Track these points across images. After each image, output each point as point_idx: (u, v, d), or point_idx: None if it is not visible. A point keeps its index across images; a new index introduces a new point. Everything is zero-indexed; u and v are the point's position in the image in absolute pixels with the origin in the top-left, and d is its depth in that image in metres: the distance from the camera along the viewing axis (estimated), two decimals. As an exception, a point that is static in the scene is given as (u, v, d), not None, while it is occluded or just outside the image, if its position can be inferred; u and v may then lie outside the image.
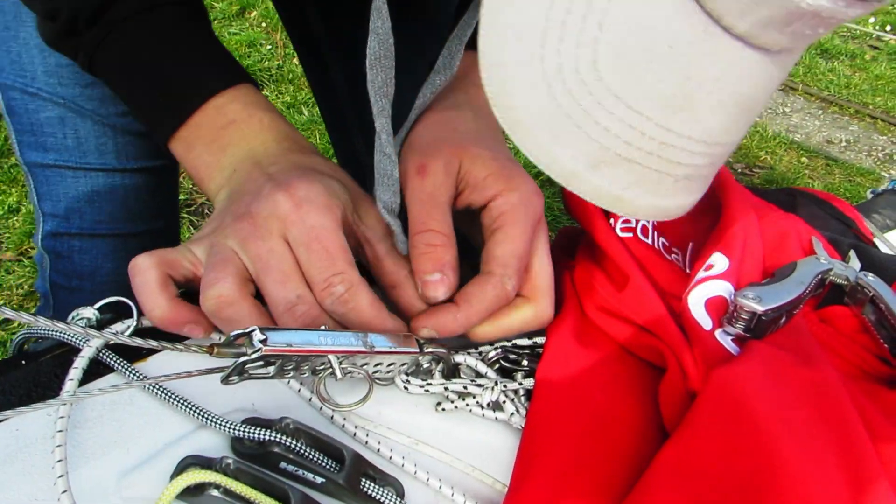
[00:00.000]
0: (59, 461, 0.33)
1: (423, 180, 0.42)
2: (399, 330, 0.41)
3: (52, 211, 0.70)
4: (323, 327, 0.37)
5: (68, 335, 0.38)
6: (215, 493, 0.33)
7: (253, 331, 0.32)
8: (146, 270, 0.39)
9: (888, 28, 3.95)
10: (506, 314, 0.42)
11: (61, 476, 0.32)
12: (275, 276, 0.39)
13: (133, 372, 0.38)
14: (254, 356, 0.32)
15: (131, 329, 0.40)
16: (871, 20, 4.05)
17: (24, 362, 0.38)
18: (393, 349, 0.38)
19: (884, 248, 0.60)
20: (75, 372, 0.36)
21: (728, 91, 0.29)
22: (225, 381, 0.33)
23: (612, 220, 0.50)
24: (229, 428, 0.35)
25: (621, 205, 0.32)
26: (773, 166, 2.64)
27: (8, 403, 0.36)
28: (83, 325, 0.40)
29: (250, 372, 0.34)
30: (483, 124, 0.47)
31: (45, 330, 0.38)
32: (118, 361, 0.38)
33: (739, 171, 2.58)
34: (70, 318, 0.40)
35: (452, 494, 0.38)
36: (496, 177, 0.43)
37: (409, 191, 0.42)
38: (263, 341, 0.32)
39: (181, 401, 0.37)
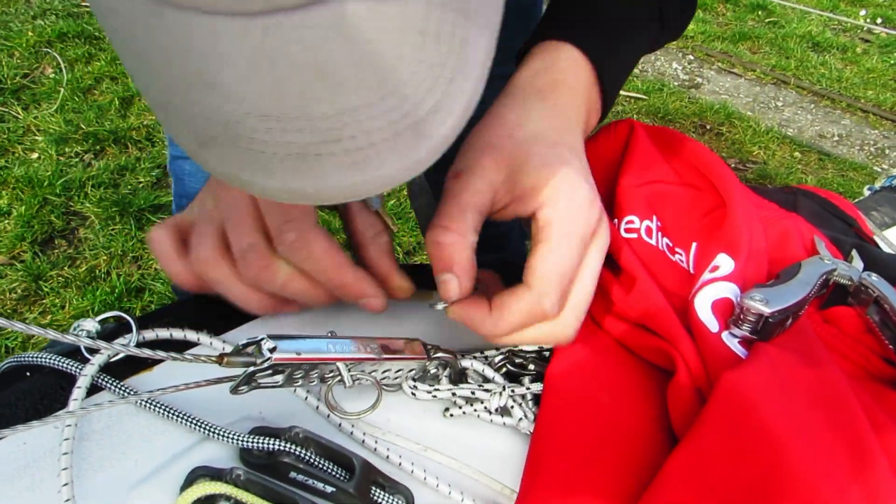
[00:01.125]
0: (64, 469, 0.33)
1: (455, 183, 0.41)
2: (361, 281, 0.41)
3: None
4: (330, 333, 0.37)
5: (62, 363, 0.38)
6: (226, 504, 0.32)
7: (262, 339, 0.32)
8: (161, 240, 0.41)
9: (879, 21, 3.97)
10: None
11: (66, 485, 0.32)
12: (233, 223, 0.40)
13: (127, 390, 0.37)
14: (263, 365, 0.32)
15: (133, 342, 0.39)
16: (862, 12, 4.06)
17: (28, 374, 0.37)
18: (401, 355, 0.38)
19: (884, 247, 0.60)
20: (78, 391, 0.35)
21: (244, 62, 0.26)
22: (234, 391, 0.33)
23: (616, 221, 0.50)
24: (238, 439, 0.35)
25: (244, 185, 0.31)
26: (766, 161, 2.65)
27: (15, 416, 0.35)
28: (84, 336, 0.39)
29: (259, 381, 0.33)
30: (548, 125, 0.44)
31: (35, 357, 0.37)
32: (111, 382, 0.37)
33: (733, 166, 2.58)
34: (72, 329, 0.40)
35: (462, 500, 0.38)
36: (543, 186, 0.40)
37: (444, 193, 0.42)
38: (273, 350, 0.32)
39: (185, 416, 0.36)
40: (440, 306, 0.40)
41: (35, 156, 2.07)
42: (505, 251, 1.17)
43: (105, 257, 1.78)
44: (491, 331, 0.40)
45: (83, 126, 2.18)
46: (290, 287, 0.41)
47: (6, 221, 1.83)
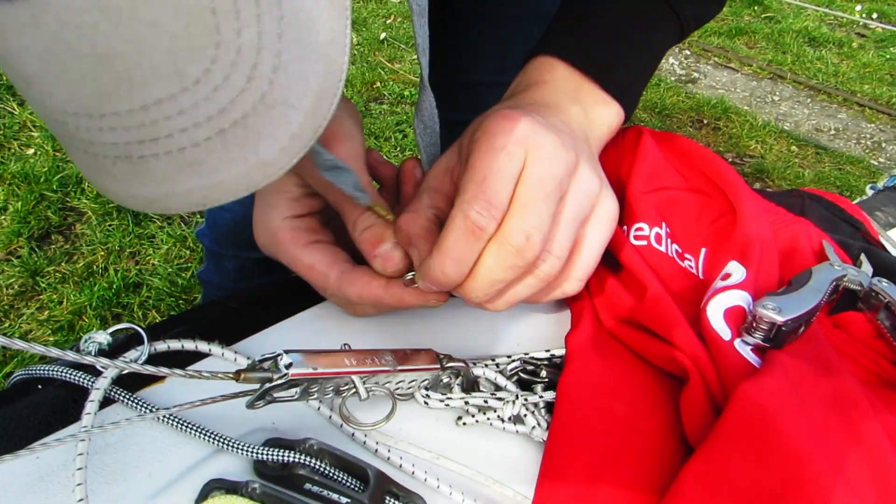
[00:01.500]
0: (79, 484, 0.32)
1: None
2: (385, 293, 0.41)
3: None
4: (345, 346, 0.37)
5: (74, 376, 0.37)
6: (242, 518, 0.32)
7: (279, 355, 0.32)
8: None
9: (875, 16, 3.97)
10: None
11: (81, 500, 0.32)
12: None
13: (141, 404, 0.37)
14: (281, 381, 0.31)
15: (145, 354, 0.39)
16: (858, 7, 4.07)
17: (39, 387, 0.37)
18: (415, 366, 0.38)
19: (890, 249, 0.60)
20: (91, 405, 0.35)
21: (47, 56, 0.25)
22: (251, 406, 0.33)
23: (625, 228, 0.50)
24: (252, 451, 0.35)
25: (102, 192, 0.30)
26: (764, 155, 2.66)
27: (27, 429, 0.35)
28: (94, 350, 0.39)
29: (275, 395, 0.33)
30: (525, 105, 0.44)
31: (45, 370, 0.37)
32: (124, 395, 0.37)
33: (730, 160, 2.59)
34: (82, 341, 0.39)
35: (476, 509, 0.38)
36: (483, 116, 0.40)
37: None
38: (289, 366, 0.32)
39: (199, 429, 0.36)
40: (409, 276, 0.41)
41: (31, 152, 2.06)
42: None
43: (102, 253, 1.77)
44: (441, 269, 0.37)
45: (79, 121, 2.17)
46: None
47: (2, 217, 1.82)
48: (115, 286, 1.67)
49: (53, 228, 1.83)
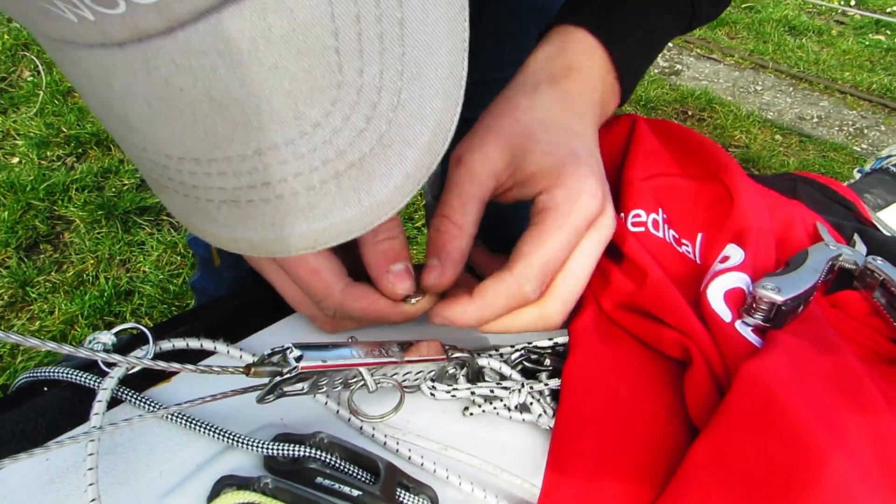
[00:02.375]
0: (91, 484, 0.32)
1: (457, 171, 0.40)
2: (392, 310, 0.40)
3: None
4: (351, 338, 0.37)
5: (80, 377, 0.37)
6: (256, 513, 0.32)
7: (288, 349, 0.32)
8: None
9: (853, 3, 4.01)
10: (511, 313, 0.40)
11: (93, 500, 0.32)
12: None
13: (150, 403, 0.37)
14: (291, 375, 0.31)
15: (150, 353, 0.39)
16: (837, -5, 4.10)
17: (45, 389, 0.37)
18: (422, 357, 0.38)
19: (882, 230, 0.61)
20: (99, 405, 0.35)
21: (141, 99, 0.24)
22: (261, 400, 0.33)
23: (622, 215, 0.50)
24: (262, 447, 0.35)
25: (197, 233, 0.29)
26: (749, 145, 2.68)
27: (35, 431, 0.35)
28: (101, 349, 0.39)
29: (285, 390, 0.33)
30: (557, 111, 0.43)
31: (51, 371, 0.37)
32: (131, 394, 0.37)
33: (716, 150, 2.60)
34: (87, 341, 0.39)
35: (485, 497, 0.38)
36: (545, 173, 0.39)
37: (447, 179, 0.41)
38: (299, 359, 0.32)
39: (208, 426, 0.36)
40: (414, 300, 0.40)
41: (16, 160, 2.04)
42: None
43: (92, 261, 1.76)
44: (476, 318, 0.39)
45: (64, 129, 2.15)
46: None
47: (-11, 225, 1.80)
48: (106, 294, 1.66)
49: (41, 238, 1.82)
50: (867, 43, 3.62)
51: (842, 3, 4.05)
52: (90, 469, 0.32)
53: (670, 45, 3.43)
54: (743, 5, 3.95)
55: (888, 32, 3.76)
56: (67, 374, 0.36)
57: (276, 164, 0.25)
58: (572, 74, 0.44)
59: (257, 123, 0.24)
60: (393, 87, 0.25)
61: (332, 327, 0.44)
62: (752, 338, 0.42)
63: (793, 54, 3.44)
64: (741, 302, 0.43)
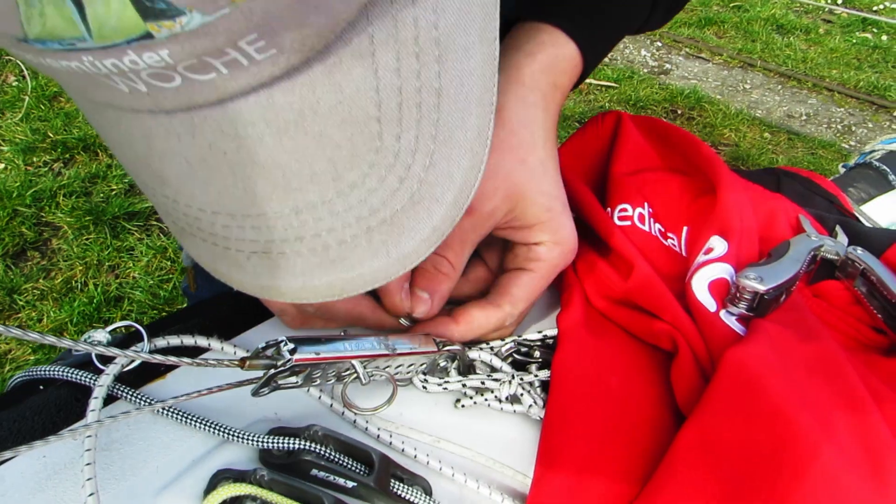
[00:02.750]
0: (88, 479, 0.33)
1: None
2: (371, 314, 0.42)
3: None
4: (343, 332, 0.38)
5: (76, 375, 0.38)
6: (253, 505, 0.33)
7: (282, 341, 0.32)
8: None
9: (840, 1, 4.04)
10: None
11: (91, 495, 0.32)
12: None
13: (146, 399, 0.38)
14: (285, 367, 0.32)
15: (145, 350, 0.39)
16: (823, -6, 4.13)
17: (41, 388, 0.37)
18: (414, 350, 0.39)
19: (864, 222, 0.62)
20: (95, 402, 0.35)
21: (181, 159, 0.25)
22: (256, 393, 0.33)
23: (609, 209, 0.51)
24: (258, 441, 0.36)
25: (221, 278, 0.30)
26: (738, 143, 2.69)
27: (32, 430, 0.36)
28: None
29: (279, 382, 0.34)
30: (549, 142, 0.44)
31: (47, 370, 0.37)
32: (127, 391, 0.37)
33: (705, 149, 2.61)
34: (81, 340, 0.40)
35: (478, 488, 0.38)
36: (545, 228, 0.42)
37: None
38: (293, 351, 0.32)
39: (203, 421, 0.37)
40: (406, 324, 0.43)
41: (2, 167, 2.03)
42: None
43: (81, 267, 1.75)
44: (456, 337, 0.42)
45: (51, 134, 2.14)
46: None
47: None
48: (95, 301, 1.65)
49: (29, 244, 1.81)
50: (854, 41, 3.65)
51: (829, 1, 4.09)
52: (88, 464, 0.33)
53: (659, 44, 3.46)
54: (731, 4, 3.98)
55: (875, 30, 3.80)
56: (63, 372, 0.37)
57: (311, 221, 0.26)
58: (557, 92, 0.45)
59: (297, 185, 0.25)
60: (426, 150, 0.26)
61: (300, 323, 0.45)
62: (737, 327, 0.43)
63: (781, 53, 3.47)
64: (725, 292, 0.44)
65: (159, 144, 0.25)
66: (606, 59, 3.21)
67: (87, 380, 0.37)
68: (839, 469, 0.34)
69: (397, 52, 0.24)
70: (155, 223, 1.90)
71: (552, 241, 0.42)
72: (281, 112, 0.23)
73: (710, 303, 0.43)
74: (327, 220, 0.26)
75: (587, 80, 2.75)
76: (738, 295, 0.43)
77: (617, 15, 0.48)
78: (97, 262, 1.76)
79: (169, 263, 1.80)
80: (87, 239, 1.83)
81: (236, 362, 0.31)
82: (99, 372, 0.37)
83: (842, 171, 0.89)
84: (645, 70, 3.20)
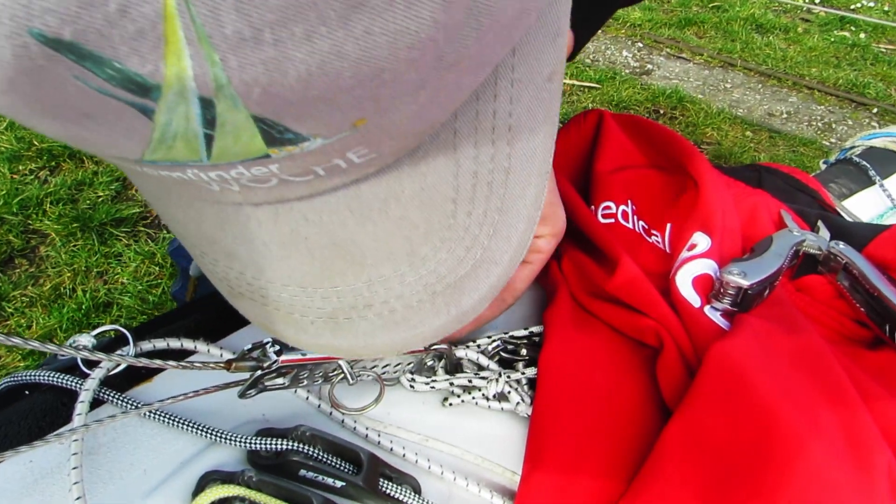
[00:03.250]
0: (75, 483, 0.33)
1: None
2: None
3: None
4: (330, 334, 0.38)
5: (61, 380, 0.37)
6: (241, 506, 0.33)
7: (268, 343, 0.32)
8: None
9: (818, 0, 4.09)
10: None
11: (78, 498, 0.32)
12: None
13: (133, 402, 0.37)
14: (271, 369, 0.32)
15: (131, 354, 0.39)
16: (802, -6, 4.18)
17: (27, 393, 0.37)
18: (400, 349, 0.39)
19: (846, 217, 0.63)
20: (81, 406, 0.35)
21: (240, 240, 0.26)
22: (242, 395, 0.33)
23: (593, 207, 0.51)
24: (246, 442, 0.36)
25: (277, 336, 0.30)
26: (720, 142, 2.71)
27: (18, 435, 0.35)
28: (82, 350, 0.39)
29: (266, 384, 0.34)
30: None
31: (32, 375, 0.37)
32: (113, 395, 0.37)
33: (688, 148, 2.63)
34: (67, 344, 0.39)
35: (467, 485, 0.39)
36: (546, 221, 0.42)
37: None
38: (278, 353, 0.32)
39: (190, 423, 0.37)
40: None
41: (-14, 175, 2.01)
42: None
43: (69, 274, 1.73)
44: (464, 333, 0.42)
45: (36, 142, 2.12)
46: None
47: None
48: (84, 307, 1.64)
49: (16, 252, 1.79)
50: (832, 39, 3.69)
51: (807, 0, 4.13)
52: (74, 468, 0.33)
53: (640, 45, 3.48)
54: (710, 5, 4.01)
55: (853, 29, 3.84)
56: (49, 376, 0.37)
57: (382, 291, 0.27)
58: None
59: (373, 261, 0.26)
60: (492, 222, 0.27)
61: None
62: (721, 321, 0.43)
63: (760, 52, 3.50)
64: (709, 287, 0.45)
65: (237, 229, 0.25)
66: (588, 61, 3.23)
67: (73, 384, 0.37)
68: (824, 462, 0.34)
69: (475, 142, 0.25)
70: (142, 229, 1.89)
71: (551, 233, 0.42)
72: (366, 201, 0.24)
73: (694, 298, 0.44)
74: (397, 289, 0.27)
75: (570, 82, 2.76)
76: (721, 290, 0.44)
77: None
78: (85, 269, 1.75)
79: (157, 269, 1.78)
80: (74, 246, 1.81)
81: (222, 364, 0.31)
82: (85, 376, 0.37)
83: (823, 167, 0.89)
84: (627, 71, 3.22)
